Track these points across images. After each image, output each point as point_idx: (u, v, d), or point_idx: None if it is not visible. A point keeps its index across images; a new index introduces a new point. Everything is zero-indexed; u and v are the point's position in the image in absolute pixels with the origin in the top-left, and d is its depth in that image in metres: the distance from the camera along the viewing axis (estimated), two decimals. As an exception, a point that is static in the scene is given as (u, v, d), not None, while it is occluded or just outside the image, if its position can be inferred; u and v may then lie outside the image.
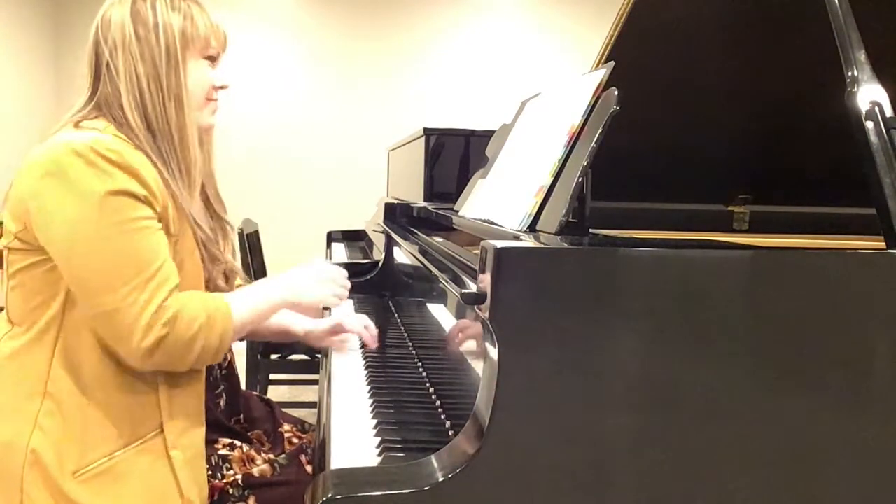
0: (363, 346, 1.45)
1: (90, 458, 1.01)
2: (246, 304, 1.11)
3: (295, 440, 1.33)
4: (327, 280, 1.23)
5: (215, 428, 1.17)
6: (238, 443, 1.20)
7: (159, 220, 1.04)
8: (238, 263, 1.32)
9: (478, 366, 0.87)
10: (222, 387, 1.26)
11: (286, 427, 1.35)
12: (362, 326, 1.43)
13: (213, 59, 1.18)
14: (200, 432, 1.09)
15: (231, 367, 1.30)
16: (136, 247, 1.01)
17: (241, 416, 1.30)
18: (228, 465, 1.15)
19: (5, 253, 1.08)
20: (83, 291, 1.01)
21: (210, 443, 1.14)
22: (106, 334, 1.02)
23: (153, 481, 1.04)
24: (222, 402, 1.25)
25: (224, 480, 1.12)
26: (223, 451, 1.17)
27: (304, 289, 1.20)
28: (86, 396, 1.03)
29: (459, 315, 1.12)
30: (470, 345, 1.06)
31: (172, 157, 1.10)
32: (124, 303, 0.98)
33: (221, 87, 1.20)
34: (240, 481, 1.13)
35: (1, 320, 1.12)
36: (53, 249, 1.02)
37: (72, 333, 1.04)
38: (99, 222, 0.99)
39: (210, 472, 1.11)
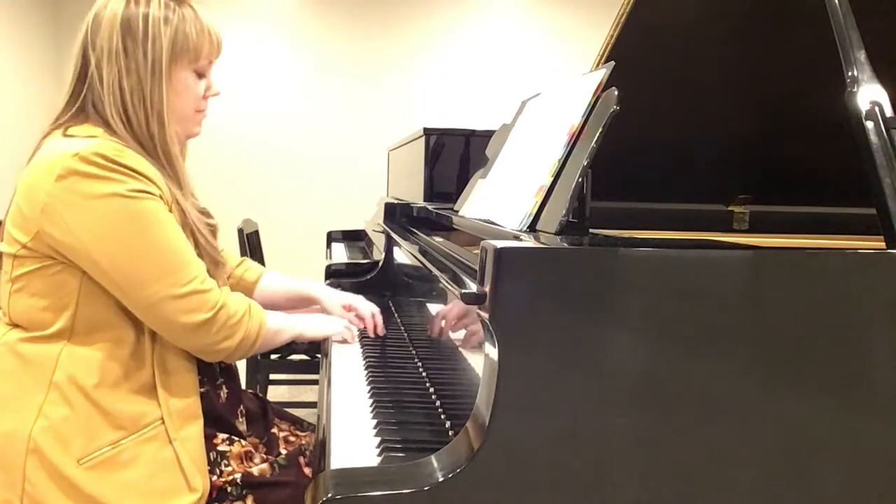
0: (363, 338, 1.47)
1: (95, 445, 1.03)
2: (274, 317, 1.21)
3: (292, 439, 1.32)
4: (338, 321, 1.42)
5: (214, 422, 1.18)
6: (236, 437, 1.20)
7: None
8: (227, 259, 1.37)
9: (478, 366, 0.87)
10: (221, 380, 1.26)
11: (282, 426, 1.35)
12: (370, 314, 1.48)
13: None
14: (199, 424, 1.12)
15: None
16: (167, 238, 1.05)
17: (243, 408, 1.30)
18: (227, 462, 1.16)
19: (5, 259, 1.09)
20: (126, 290, 1.04)
21: (208, 437, 1.14)
22: (157, 323, 1.07)
23: (158, 469, 1.06)
24: (223, 394, 1.25)
25: (223, 478, 1.12)
26: (222, 447, 1.17)
27: (320, 325, 1.37)
28: (92, 388, 1.04)
29: (459, 315, 1.12)
30: (460, 331, 1.06)
31: (161, 167, 1.12)
32: (171, 291, 1.04)
33: (212, 95, 1.21)
34: (239, 480, 1.13)
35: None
36: (83, 259, 1.03)
37: (83, 331, 1.06)
38: (126, 224, 1.02)
39: (209, 468, 1.12)
